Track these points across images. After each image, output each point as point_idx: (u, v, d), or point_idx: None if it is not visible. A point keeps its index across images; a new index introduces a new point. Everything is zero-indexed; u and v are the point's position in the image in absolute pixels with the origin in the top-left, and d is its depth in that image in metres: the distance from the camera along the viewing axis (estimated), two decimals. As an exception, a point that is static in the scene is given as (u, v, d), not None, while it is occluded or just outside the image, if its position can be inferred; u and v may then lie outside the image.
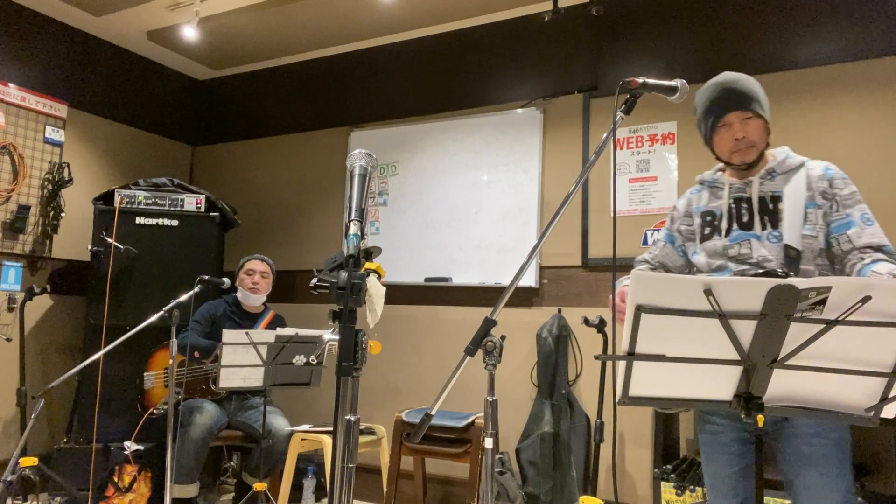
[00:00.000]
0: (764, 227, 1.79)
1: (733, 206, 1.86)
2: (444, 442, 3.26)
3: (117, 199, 3.96)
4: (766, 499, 2.79)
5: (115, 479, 3.42)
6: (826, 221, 1.76)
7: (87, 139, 4.46)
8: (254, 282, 3.67)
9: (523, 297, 3.75)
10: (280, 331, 3.05)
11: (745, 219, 1.83)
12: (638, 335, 1.15)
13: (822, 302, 1.07)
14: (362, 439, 3.49)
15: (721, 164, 1.95)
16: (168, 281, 3.89)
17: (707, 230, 1.89)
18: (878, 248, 1.69)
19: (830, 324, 1.09)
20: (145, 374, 3.56)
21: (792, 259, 1.74)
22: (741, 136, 1.80)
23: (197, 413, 3.31)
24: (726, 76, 1.85)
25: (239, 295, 3.71)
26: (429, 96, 4.27)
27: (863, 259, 1.69)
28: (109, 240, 3.86)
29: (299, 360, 3.11)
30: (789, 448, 1.66)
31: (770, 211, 1.79)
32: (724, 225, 1.86)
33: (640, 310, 1.12)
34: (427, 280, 4.04)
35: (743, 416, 1.19)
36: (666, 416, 3.11)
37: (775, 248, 1.76)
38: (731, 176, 1.91)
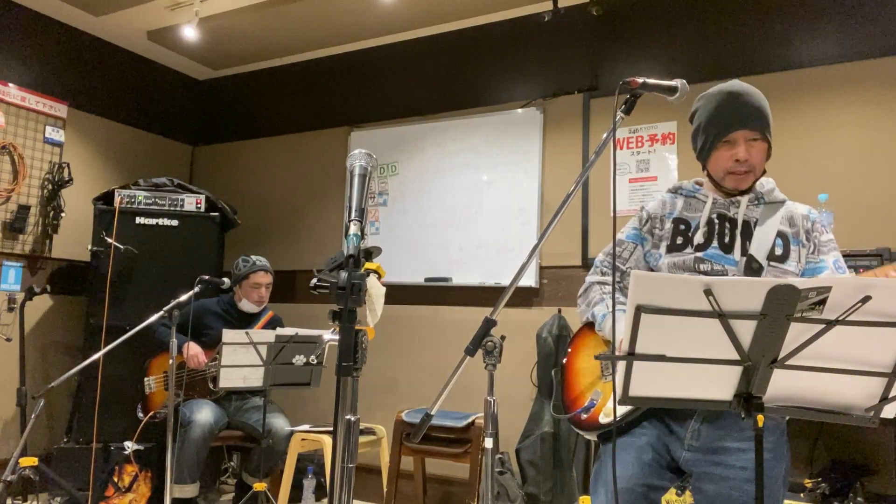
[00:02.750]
0: (743, 254, 1.64)
1: (716, 220, 1.70)
2: (444, 442, 3.26)
3: (117, 199, 3.96)
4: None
5: (115, 479, 3.42)
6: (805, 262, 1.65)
7: (87, 139, 4.46)
8: (260, 295, 3.62)
9: (523, 297, 3.75)
10: (280, 331, 3.05)
11: (727, 239, 1.66)
12: (638, 335, 1.15)
13: (822, 302, 1.07)
14: (362, 439, 3.49)
15: (702, 178, 1.80)
16: (168, 281, 3.89)
17: (679, 239, 1.72)
18: None
19: (830, 324, 1.09)
20: (145, 378, 3.56)
21: (754, 271, 1.60)
22: (744, 158, 1.63)
23: (197, 413, 3.31)
24: (737, 86, 1.65)
25: (239, 302, 3.67)
26: (428, 96, 4.27)
27: None
28: (109, 240, 3.86)
29: (299, 360, 3.11)
30: (714, 489, 1.52)
31: (751, 237, 1.65)
32: (699, 238, 1.69)
33: (640, 310, 1.12)
34: (427, 280, 4.04)
35: (743, 416, 1.19)
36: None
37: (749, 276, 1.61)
38: (715, 192, 1.75)
